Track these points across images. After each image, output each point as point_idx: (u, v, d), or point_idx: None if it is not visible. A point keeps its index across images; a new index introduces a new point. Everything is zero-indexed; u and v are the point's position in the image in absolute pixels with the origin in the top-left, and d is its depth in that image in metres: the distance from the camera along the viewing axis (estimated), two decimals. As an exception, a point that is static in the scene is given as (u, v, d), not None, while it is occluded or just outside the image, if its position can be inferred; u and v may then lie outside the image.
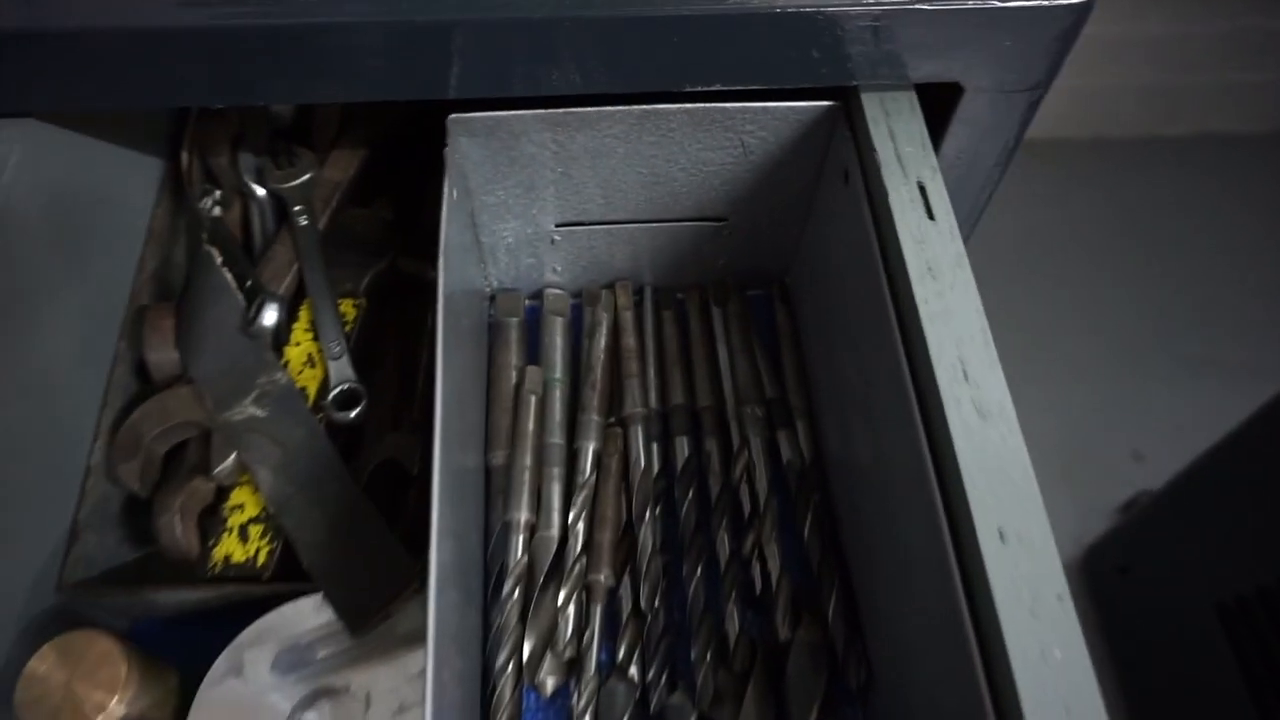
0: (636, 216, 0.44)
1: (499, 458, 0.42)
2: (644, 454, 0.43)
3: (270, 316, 0.38)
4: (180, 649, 0.36)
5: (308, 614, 0.35)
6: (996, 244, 1.36)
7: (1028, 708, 0.24)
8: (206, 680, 0.34)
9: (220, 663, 0.34)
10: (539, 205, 0.42)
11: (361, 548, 0.35)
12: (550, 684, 0.38)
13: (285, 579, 0.36)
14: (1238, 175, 1.44)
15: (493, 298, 0.48)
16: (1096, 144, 1.48)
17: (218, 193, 0.44)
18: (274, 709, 0.33)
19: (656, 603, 0.39)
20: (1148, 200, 1.44)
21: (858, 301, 0.36)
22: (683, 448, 0.43)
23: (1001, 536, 0.27)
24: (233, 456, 0.37)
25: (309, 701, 0.34)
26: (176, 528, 0.36)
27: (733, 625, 0.39)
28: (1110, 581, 1.08)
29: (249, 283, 0.40)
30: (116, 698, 0.31)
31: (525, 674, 0.38)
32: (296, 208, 0.42)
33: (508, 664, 0.38)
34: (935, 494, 0.28)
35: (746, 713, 0.37)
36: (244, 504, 0.38)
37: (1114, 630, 1.07)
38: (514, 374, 0.45)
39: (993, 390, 0.29)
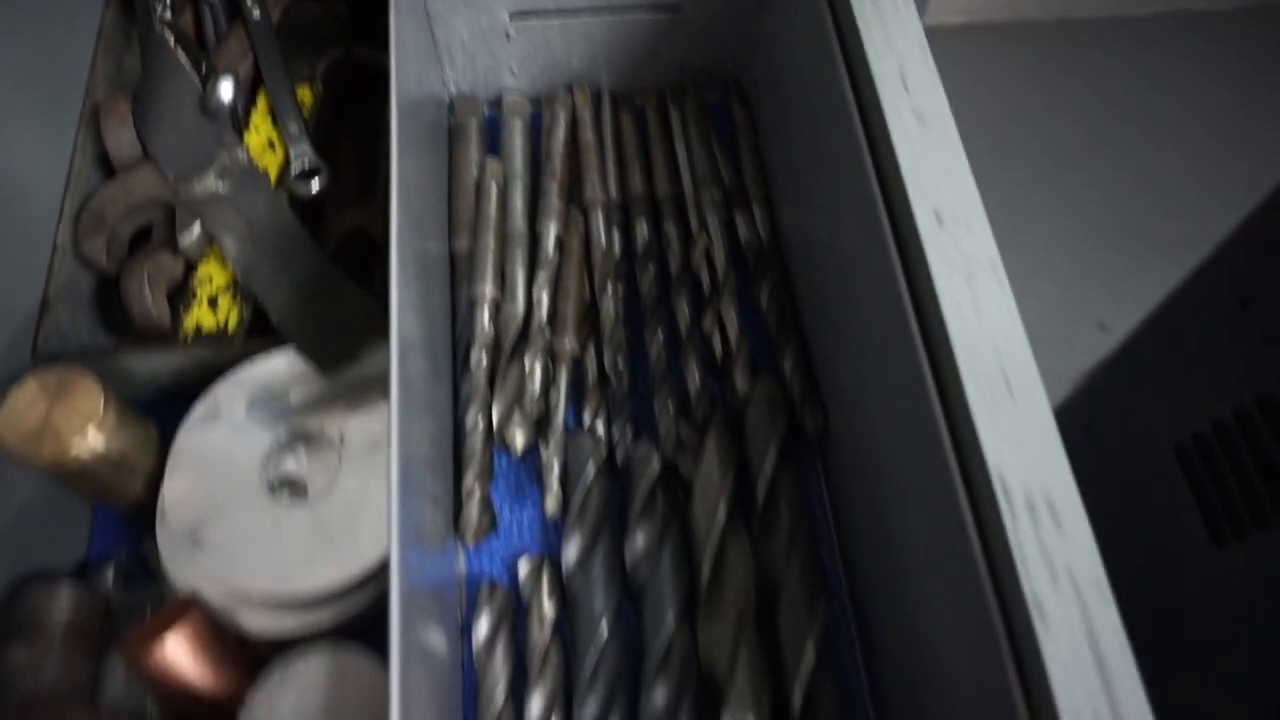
0: (592, 4, 0.44)
1: (463, 242, 0.43)
2: (605, 237, 0.44)
3: (226, 91, 0.39)
4: (158, 423, 0.37)
5: (280, 366, 0.36)
6: (962, 127, 1.37)
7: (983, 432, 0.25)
8: (184, 426, 0.35)
9: (197, 408, 0.35)
10: (492, -11, 0.43)
11: (328, 301, 0.36)
12: (520, 441, 0.40)
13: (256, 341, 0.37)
14: (1204, 52, 1.45)
15: (452, 106, 0.49)
16: (1062, 25, 1.48)
17: (169, -2, 0.44)
18: (250, 450, 0.35)
19: (620, 366, 0.41)
20: (1114, 80, 1.44)
21: (818, 96, 0.37)
22: (643, 231, 0.45)
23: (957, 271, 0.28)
24: (197, 226, 0.38)
25: (285, 446, 0.35)
26: (146, 295, 0.37)
27: (693, 383, 0.41)
28: (1076, 442, 1.10)
29: (204, 65, 0.40)
30: (94, 427, 0.32)
31: (495, 434, 0.40)
32: (249, 2, 0.42)
33: (477, 423, 0.39)
34: (897, 271, 0.29)
35: (708, 459, 0.39)
36: (212, 276, 0.39)
37: (1082, 490, 1.10)
38: (475, 169, 0.45)
39: (931, 98, 0.30)
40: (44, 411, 0.32)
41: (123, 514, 0.39)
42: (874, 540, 0.36)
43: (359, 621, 0.34)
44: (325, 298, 0.36)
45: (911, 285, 0.29)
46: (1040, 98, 1.43)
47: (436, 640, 0.33)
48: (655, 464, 0.38)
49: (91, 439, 0.32)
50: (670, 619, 0.36)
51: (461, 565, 0.39)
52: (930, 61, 0.32)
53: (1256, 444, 0.76)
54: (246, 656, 0.33)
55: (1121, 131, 1.40)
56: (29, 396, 0.32)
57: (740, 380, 0.41)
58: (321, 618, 0.33)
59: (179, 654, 0.30)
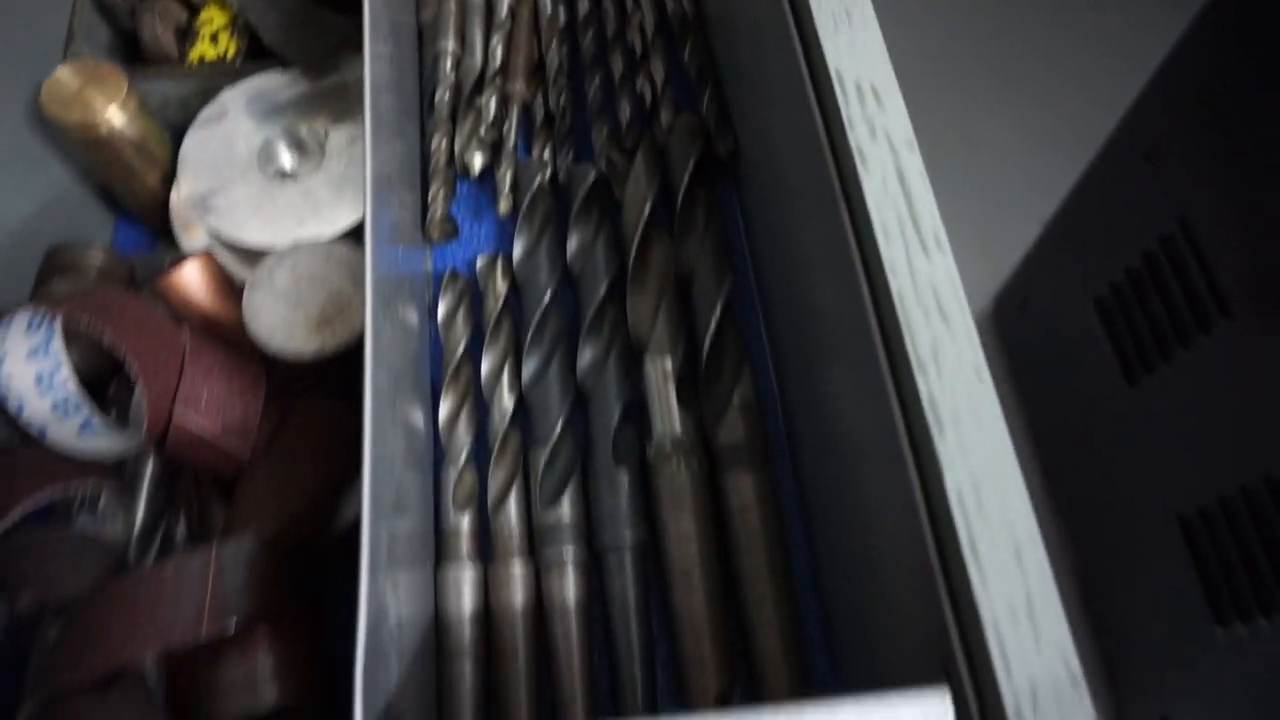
0: None
1: (428, 12, 0.50)
2: (550, 6, 0.51)
3: None
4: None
5: (275, 78, 0.43)
6: (917, 44, 1.45)
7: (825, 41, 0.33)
8: (193, 125, 0.42)
9: (204, 112, 0.42)
10: None
11: (313, 21, 0.43)
12: (477, 163, 0.47)
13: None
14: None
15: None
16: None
17: None
18: (249, 142, 0.42)
19: (564, 105, 0.48)
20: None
21: None
22: (584, 4, 0.52)
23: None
24: (200, -29, 0.45)
25: (280, 139, 0.42)
26: (156, 26, 0.44)
27: (624, 116, 0.48)
28: (1013, 319, 1.19)
29: None
30: (119, 105, 0.39)
31: (456, 159, 0.47)
32: None
33: (440, 146, 0.46)
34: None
35: (635, 173, 0.46)
36: (213, 18, 0.46)
37: (1020, 363, 1.19)
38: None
39: None
40: (78, 86, 0.38)
41: (141, 221, 0.45)
42: (771, 237, 0.43)
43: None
44: (310, 19, 0.43)
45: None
46: (991, 17, 1.50)
47: (409, 314, 0.41)
48: (591, 176, 0.46)
49: (115, 114, 0.39)
50: (601, 292, 0.43)
51: (429, 264, 0.46)
52: None
53: (1162, 284, 0.85)
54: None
55: (1066, 45, 1.47)
56: (67, 75, 0.39)
57: (665, 116, 0.48)
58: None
59: (196, 279, 0.38)
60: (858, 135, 0.31)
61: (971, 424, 0.26)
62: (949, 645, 0.25)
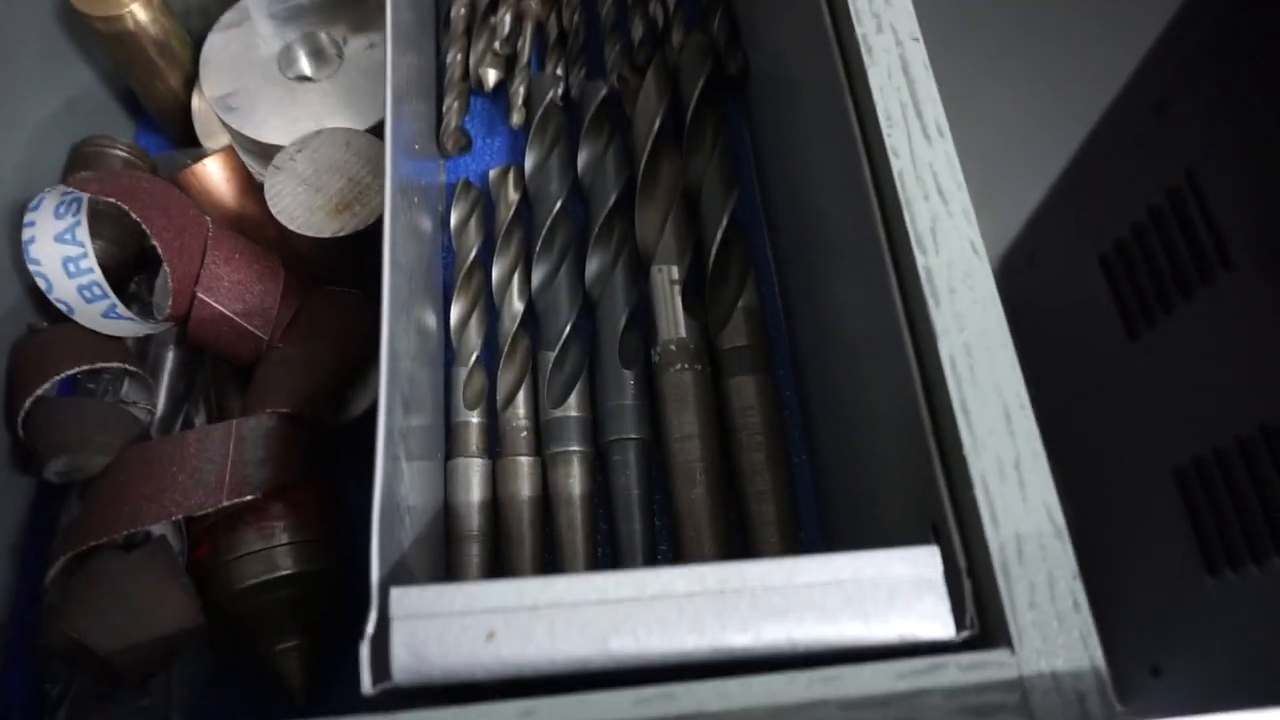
0: None
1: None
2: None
3: None
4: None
5: (292, -15, 0.44)
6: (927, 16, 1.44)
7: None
8: (215, 28, 0.43)
9: (225, 15, 0.43)
10: None
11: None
12: (491, 78, 0.48)
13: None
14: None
15: None
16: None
17: None
18: (269, 46, 0.42)
19: (577, 22, 0.49)
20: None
21: None
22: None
23: None
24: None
25: (301, 46, 0.43)
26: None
27: (636, 35, 0.49)
28: (1019, 277, 1.20)
29: None
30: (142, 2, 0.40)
31: (470, 74, 0.47)
32: None
33: (455, 60, 0.47)
34: None
35: (645, 89, 0.47)
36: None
37: (1025, 321, 1.19)
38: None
39: None
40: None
41: (163, 126, 0.46)
42: (778, 153, 0.44)
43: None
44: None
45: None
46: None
47: (424, 221, 0.42)
48: (602, 91, 0.46)
49: (140, 8, 0.39)
50: (610, 201, 0.44)
51: (443, 177, 0.47)
52: None
53: (1167, 238, 0.85)
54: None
55: (1075, 13, 1.47)
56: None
57: (676, 36, 0.48)
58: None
59: (217, 171, 0.38)
60: (865, 28, 0.32)
61: (966, 295, 0.27)
62: (939, 503, 0.26)
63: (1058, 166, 1.11)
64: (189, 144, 0.45)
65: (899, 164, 0.29)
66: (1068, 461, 1.08)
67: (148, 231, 0.33)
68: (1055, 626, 0.24)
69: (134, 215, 0.32)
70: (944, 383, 0.26)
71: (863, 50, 0.31)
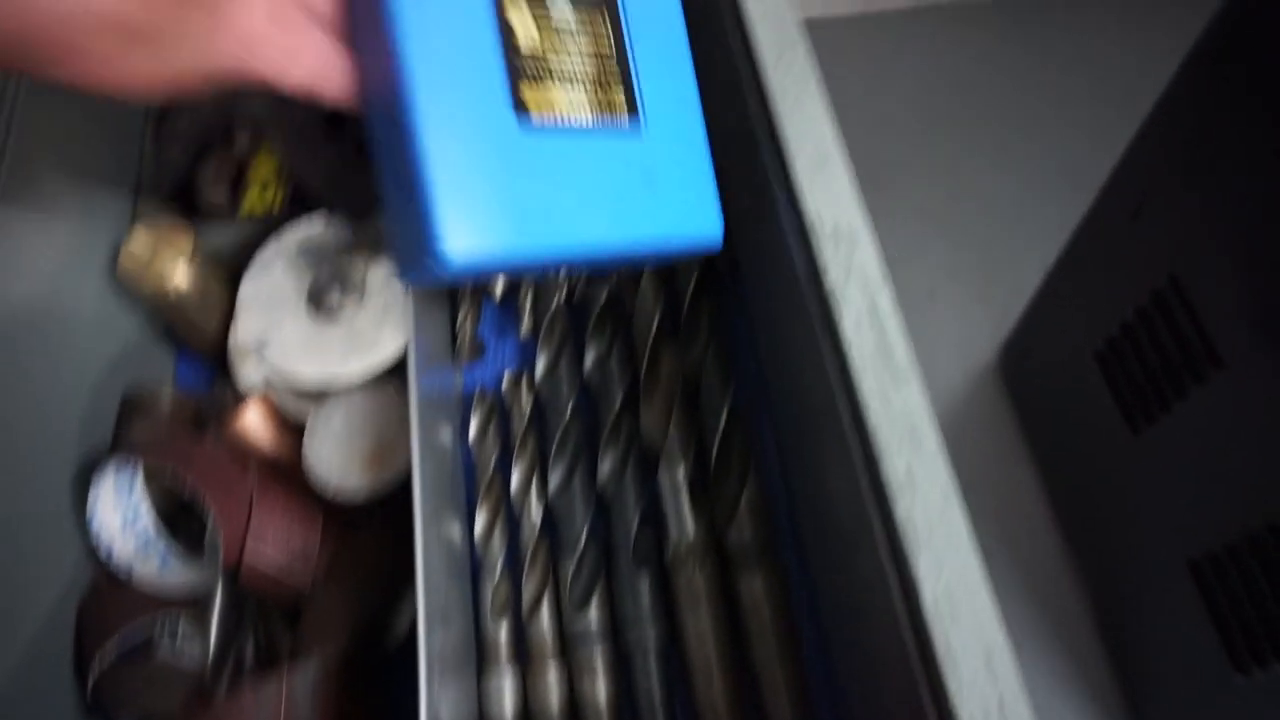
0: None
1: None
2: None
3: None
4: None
5: (318, 226, 0.48)
6: (911, 101, 1.50)
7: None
8: (246, 274, 0.47)
9: (256, 259, 0.47)
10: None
11: (351, 172, 0.48)
12: (500, 286, 0.52)
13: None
14: (1136, 20, 1.58)
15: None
16: (1001, 3, 1.62)
17: None
18: (298, 287, 0.47)
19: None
20: (1052, 50, 1.57)
21: None
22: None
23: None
24: (248, 131, 0.50)
25: (325, 282, 0.47)
26: (210, 182, 0.49)
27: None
28: (1019, 370, 1.22)
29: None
30: (185, 267, 0.44)
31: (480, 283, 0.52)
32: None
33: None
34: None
35: (644, 288, 0.50)
36: (261, 166, 0.51)
37: (1027, 413, 1.22)
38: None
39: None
40: (149, 257, 0.44)
41: (201, 362, 0.50)
42: (771, 334, 0.47)
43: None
44: (349, 170, 0.48)
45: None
46: (987, 69, 1.56)
47: (443, 434, 0.45)
48: (604, 294, 0.50)
49: (182, 278, 0.44)
50: (617, 404, 0.48)
51: (459, 383, 0.51)
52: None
53: (1156, 338, 0.88)
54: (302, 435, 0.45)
55: (1063, 93, 1.52)
56: (140, 246, 0.44)
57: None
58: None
59: (257, 421, 0.42)
60: (831, 279, 0.35)
61: (944, 543, 0.30)
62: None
63: (1052, 256, 1.15)
64: (225, 368, 0.49)
65: (873, 414, 0.33)
66: (1084, 550, 1.09)
67: (200, 496, 0.36)
68: None
69: (189, 484, 0.36)
70: (929, 627, 0.29)
71: (832, 299, 0.35)
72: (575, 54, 0.37)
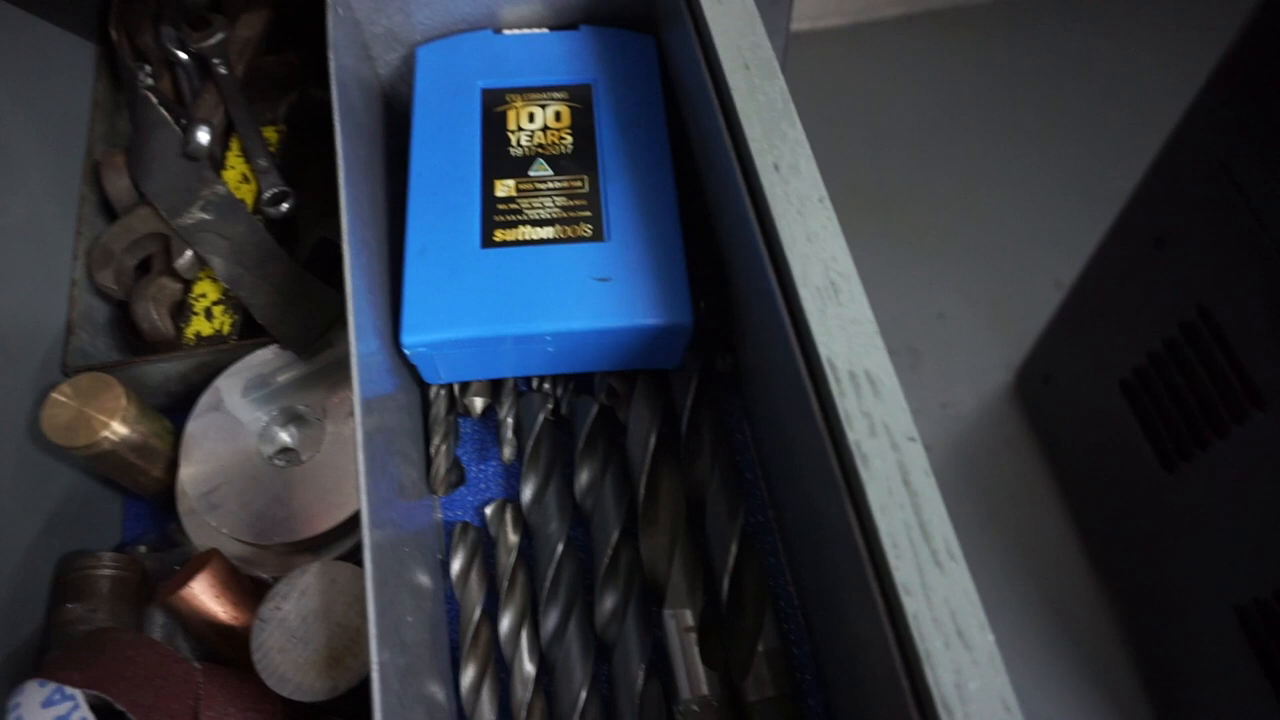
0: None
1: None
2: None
3: (204, 136, 0.46)
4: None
5: (268, 356, 0.43)
6: (914, 113, 1.45)
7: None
8: (192, 414, 0.42)
9: (202, 398, 0.42)
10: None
11: (303, 299, 0.43)
12: (478, 406, 0.46)
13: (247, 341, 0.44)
14: (1140, 24, 1.52)
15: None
16: (999, 6, 1.56)
17: (147, 67, 0.51)
18: (249, 428, 0.42)
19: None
20: (1053, 54, 1.51)
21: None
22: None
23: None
24: (189, 252, 0.45)
25: (278, 422, 0.42)
26: (152, 312, 0.44)
27: (622, 341, 0.48)
28: (1038, 393, 1.17)
29: (183, 118, 0.47)
30: (119, 419, 0.39)
31: (457, 401, 0.46)
32: (215, 60, 0.50)
33: (439, 393, 0.46)
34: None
35: (638, 400, 0.45)
36: (206, 293, 0.46)
37: (1049, 439, 1.17)
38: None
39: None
40: (77, 409, 0.39)
41: (149, 501, 0.45)
42: (776, 447, 0.42)
43: (352, 557, 0.40)
44: (300, 297, 0.43)
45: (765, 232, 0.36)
46: (985, 77, 1.50)
47: (420, 576, 0.40)
48: (594, 409, 0.45)
49: (116, 427, 0.39)
50: (615, 536, 0.42)
51: (439, 514, 0.46)
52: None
53: (1188, 371, 0.83)
54: (260, 594, 0.40)
55: (1065, 99, 1.47)
56: (64, 398, 0.39)
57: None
58: (323, 556, 0.39)
59: (205, 594, 0.37)
60: (856, 432, 0.30)
61: None
62: None
63: (1065, 275, 1.10)
64: (174, 513, 0.44)
65: (913, 604, 0.28)
66: (1119, 586, 1.04)
67: (136, 712, 0.31)
68: None
69: (120, 705, 0.31)
70: None
71: (859, 463, 0.30)
72: (549, 204, 0.43)
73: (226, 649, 0.39)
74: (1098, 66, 1.49)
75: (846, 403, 0.31)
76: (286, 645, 0.33)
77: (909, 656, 0.28)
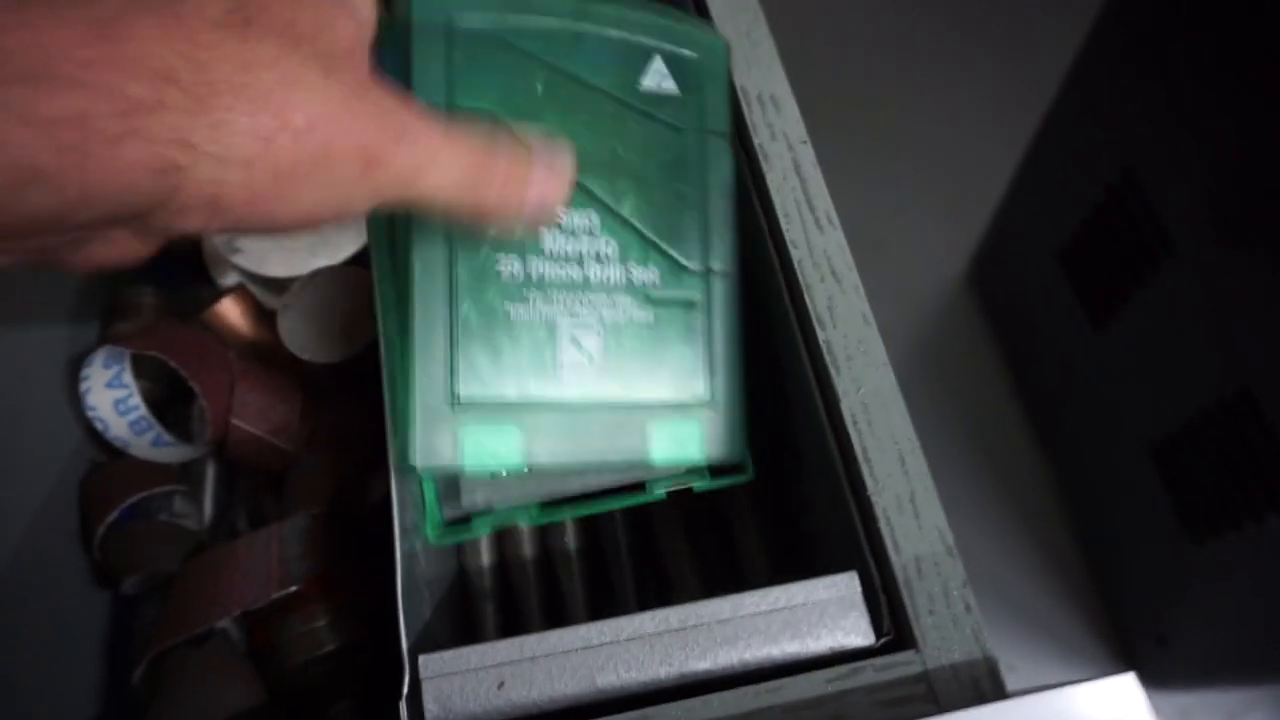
0: None
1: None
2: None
3: None
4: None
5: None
6: (878, 16, 1.50)
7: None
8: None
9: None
10: None
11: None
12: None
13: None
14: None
15: None
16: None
17: None
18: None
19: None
20: None
21: None
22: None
23: None
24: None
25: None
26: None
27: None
28: (990, 278, 1.25)
29: None
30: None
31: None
32: None
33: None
34: None
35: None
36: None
37: (999, 319, 1.25)
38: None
39: None
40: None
41: (179, 264, 0.53)
42: None
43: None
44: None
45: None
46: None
47: None
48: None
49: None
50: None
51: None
52: None
53: (1114, 231, 0.91)
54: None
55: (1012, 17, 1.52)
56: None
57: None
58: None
59: (233, 310, 0.45)
60: (760, 138, 0.38)
61: (861, 361, 0.33)
62: (855, 535, 0.32)
63: (1014, 165, 1.17)
64: (202, 270, 0.51)
65: (798, 254, 0.35)
66: (1057, 450, 1.13)
67: (184, 375, 0.39)
68: (951, 627, 0.30)
69: (173, 363, 0.39)
70: (849, 435, 0.32)
71: (759, 157, 0.37)
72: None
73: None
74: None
75: (754, 116, 0.39)
76: (306, 324, 0.41)
77: (794, 291, 0.36)
